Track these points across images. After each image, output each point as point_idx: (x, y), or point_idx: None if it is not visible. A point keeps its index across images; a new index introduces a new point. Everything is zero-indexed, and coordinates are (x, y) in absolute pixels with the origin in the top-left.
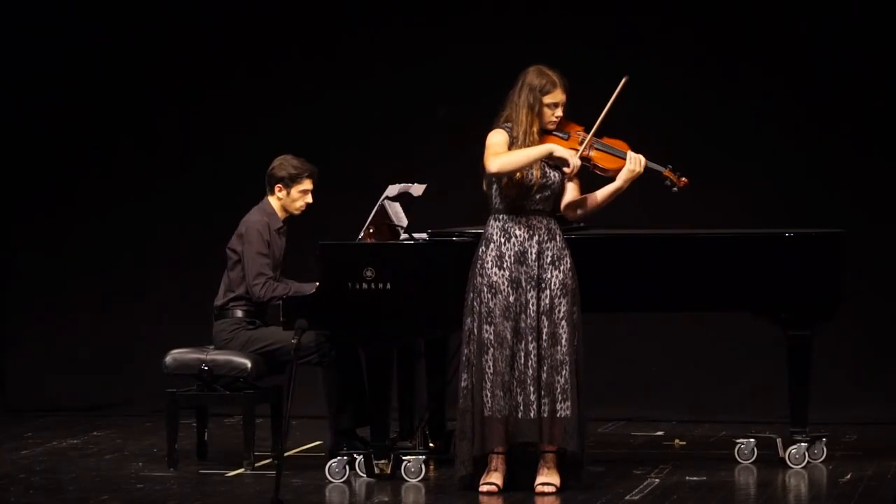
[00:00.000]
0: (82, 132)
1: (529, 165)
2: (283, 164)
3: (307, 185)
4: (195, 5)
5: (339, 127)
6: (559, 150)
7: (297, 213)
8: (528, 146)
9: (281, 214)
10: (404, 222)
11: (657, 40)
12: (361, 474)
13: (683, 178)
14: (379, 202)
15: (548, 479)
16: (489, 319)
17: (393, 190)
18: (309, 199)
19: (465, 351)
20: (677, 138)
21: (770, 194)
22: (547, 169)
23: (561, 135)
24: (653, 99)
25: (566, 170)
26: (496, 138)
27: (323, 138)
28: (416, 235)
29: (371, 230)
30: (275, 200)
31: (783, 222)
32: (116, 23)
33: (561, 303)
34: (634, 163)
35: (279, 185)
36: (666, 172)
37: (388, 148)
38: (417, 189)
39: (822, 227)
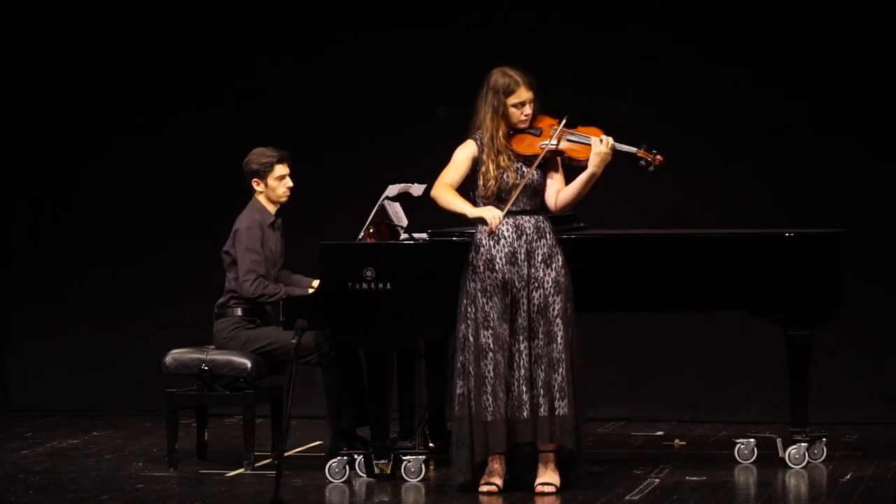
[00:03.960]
0: (83, 132)
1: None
2: (253, 157)
3: (281, 170)
4: (195, 7)
5: (339, 127)
6: (472, 212)
7: (283, 199)
8: (497, 151)
9: (271, 208)
10: (404, 222)
11: (655, 40)
12: (361, 474)
13: (659, 157)
14: (379, 202)
15: (548, 479)
16: (486, 324)
17: (393, 190)
18: (289, 182)
19: (461, 357)
20: (676, 138)
21: (769, 194)
22: (524, 169)
23: (532, 131)
24: (651, 99)
25: (485, 228)
26: (458, 156)
27: (323, 138)
28: (416, 235)
29: (371, 230)
30: (260, 195)
31: (783, 222)
32: (117, 21)
33: (555, 301)
34: (599, 145)
35: (255, 179)
36: (640, 153)
37: (388, 148)
38: (417, 189)
39: (821, 227)
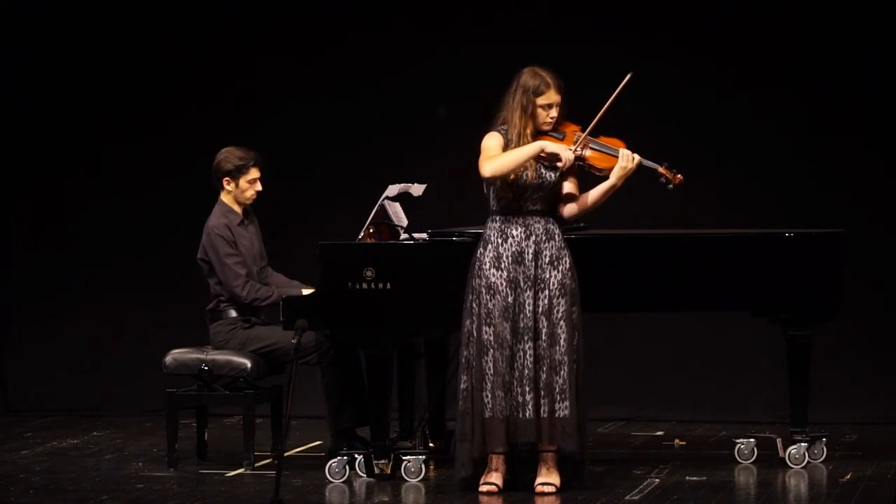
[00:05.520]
0: (83, 132)
1: (523, 165)
2: (228, 156)
3: (254, 173)
4: (195, 7)
5: (339, 127)
6: (550, 146)
7: (248, 202)
8: None
9: (238, 208)
10: (404, 222)
11: (656, 41)
12: (361, 474)
13: (679, 176)
14: (379, 202)
15: (548, 479)
16: (488, 321)
17: (393, 190)
18: (258, 186)
19: (465, 353)
20: (676, 139)
21: (769, 194)
22: (542, 169)
23: (556, 135)
24: (651, 100)
25: (559, 164)
26: (490, 142)
27: (323, 138)
28: (416, 235)
29: (371, 230)
30: (226, 195)
31: (783, 222)
32: (117, 22)
33: (559, 303)
34: (627, 160)
35: (227, 179)
36: (661, 170)
37: (388, 148)
38: (417, 189)
39: (821, 227)
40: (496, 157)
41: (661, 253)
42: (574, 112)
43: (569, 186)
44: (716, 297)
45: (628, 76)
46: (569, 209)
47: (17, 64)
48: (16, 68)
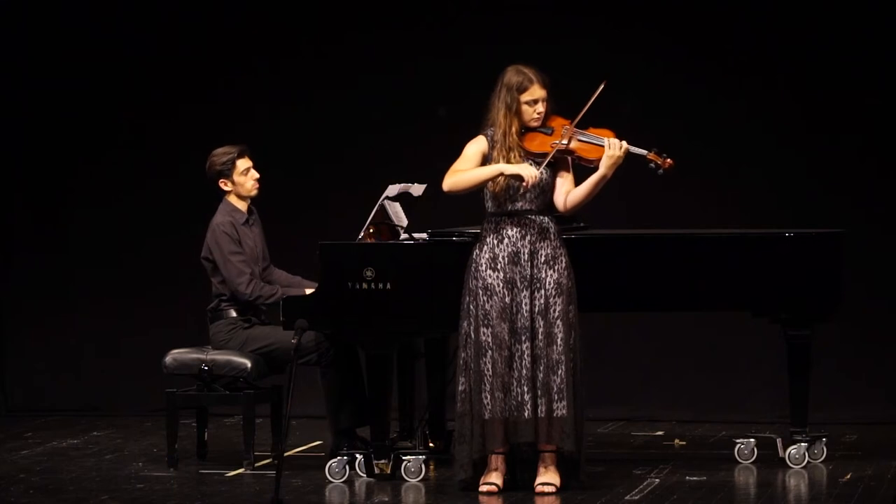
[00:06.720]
0: (80, 132)
1: (479, 185)
2: (214, 159)
3: (244, 163)
4: (193, 7)
5: (339, 127)
6: (509, 168)
7: (252, 193)
8: (508, 147)
9: (242, 206)
10: (404, 222)
11: (656, 42)
12: (361, 474)
13: (668, 160)
14: (379, 202)
15: (547, 479)
16: (486, 322)
17: (393, 190)
18: (255, 174)
19: (463, 354)
20: (676, 139)
21: (770, 194)
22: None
23: (544, 130)
24: (651, 99)
25: (522, 184)
26: (469, 150)
27: (323, 138)
28: (416, 235)
29: (371, 230)
30: (229, 196)
31: (783, 222)
32: (113, 22)
33: (556, 302)
34: (614, 148)
35: (222, 180)
36: (650, 156)
37: (388, 148)
38: (417, 189)
39: (822, 227)
40: (458, 171)
41: (661, 253)
42: (574, 111)
43: (563, 182)
44: (716, 297)
45: (602, 85)
46: (564, 204)
47: (16, 64)
48: (15, 68)
